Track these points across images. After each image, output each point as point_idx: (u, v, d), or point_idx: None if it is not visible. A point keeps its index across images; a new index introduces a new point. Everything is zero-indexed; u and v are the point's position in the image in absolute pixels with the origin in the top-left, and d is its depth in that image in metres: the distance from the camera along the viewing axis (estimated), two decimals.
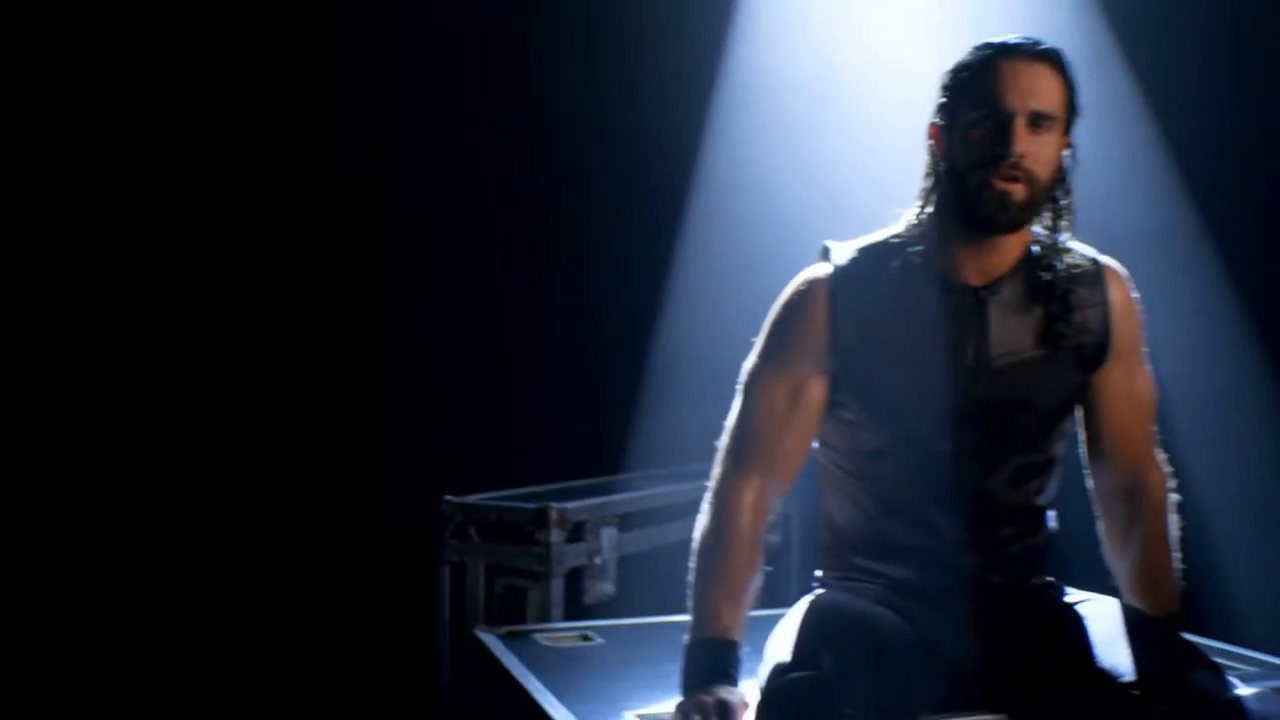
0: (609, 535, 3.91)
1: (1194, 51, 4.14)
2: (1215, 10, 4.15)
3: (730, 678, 2.09)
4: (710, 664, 2.10)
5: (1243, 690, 1.92)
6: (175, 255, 4.79)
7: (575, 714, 2.26)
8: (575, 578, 3.84)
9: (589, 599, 3.83)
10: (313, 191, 4.93)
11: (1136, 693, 1.94)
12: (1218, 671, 1.98)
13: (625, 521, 4.03)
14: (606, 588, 3.89)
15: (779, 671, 2.00)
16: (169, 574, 4.69)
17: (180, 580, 4.69)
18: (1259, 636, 2.82)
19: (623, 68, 4.88)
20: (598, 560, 3.87)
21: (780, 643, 2.10)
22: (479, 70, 4.92)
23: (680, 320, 4.76)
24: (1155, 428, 2.37)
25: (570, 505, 3.82)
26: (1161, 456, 2.38)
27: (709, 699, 2.03)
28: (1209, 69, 4.13)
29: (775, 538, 4.71)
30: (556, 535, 3.71)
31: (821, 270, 2.27)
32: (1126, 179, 4.06)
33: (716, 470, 2.28)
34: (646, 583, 3.89)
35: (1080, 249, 2.28)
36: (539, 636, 2.91)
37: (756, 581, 2.22)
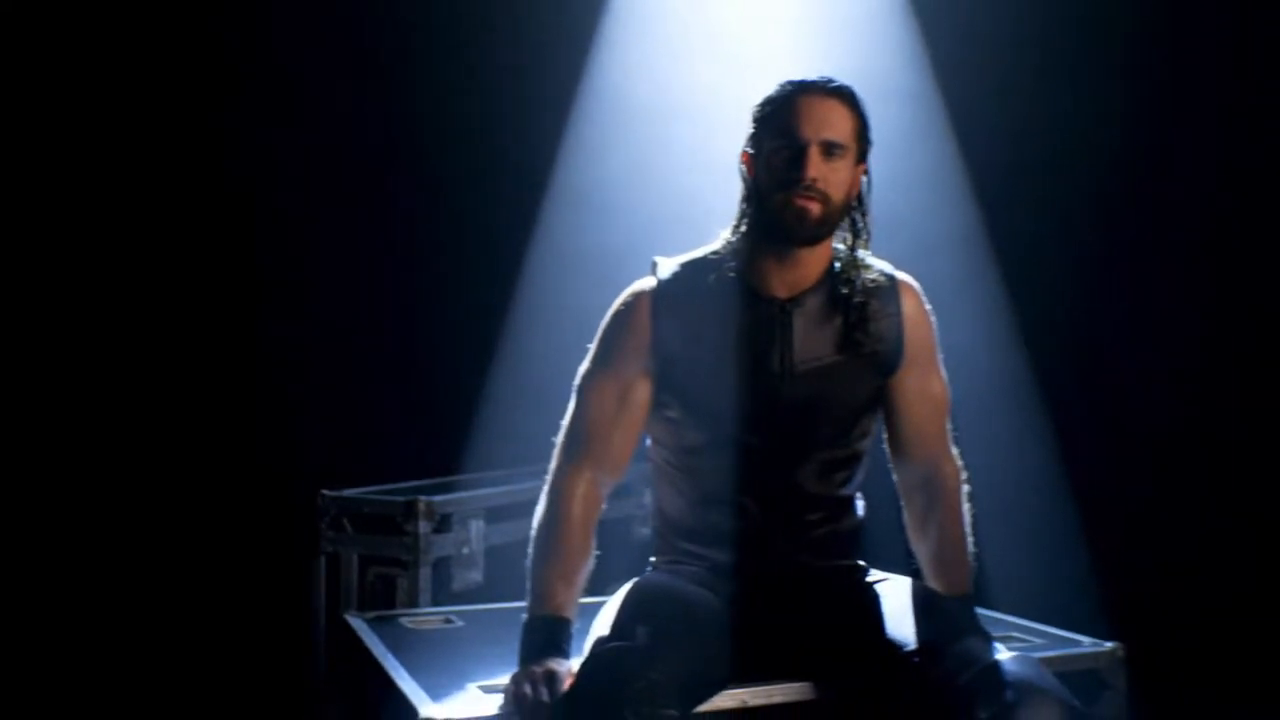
0: (476, 527, 4.05)
1: (996, 83, 4.45)
2: (1016, 50, 4.47)
3: (562, 651, 2.25)
4: (544, 638, 2.27)
5: (1003, 655, 2.14)
6: (57, 257, 4.83)
7: (423, 686, 2.36)
8: (444, 567, 3.95)
9: (457, 586, 3.95)
10: (190, 198, 4.98)
11: (916, 659, 2.17)
12: (986, 639, 2.21)
13: (493, 514, 4.15)
14: (474, 576, 4.02)
15: (599, 643, 2.19)
16: (45, 565, 4.70)
17: (57, 571, 4.72)
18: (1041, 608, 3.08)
19: (483, 82, 5.03)
20: (465, 550, 4.00)
21: (604, 619, 2.29)
22: (345, 77, 5.00)
23: (528, 328, 4.92)
24: (950, 425, 2.58)
25: (438, 499, 3.95)
26: (955, 451, 2.59)
27: (539, 669, 2.18)
28: (1010, 99, 4.44)
29: (646, 530, 4.90)
30: (424, 526, 3.85)
31: (646, 284, 2.47)
32: (931, 196, 4.36)
33: (553, 464, 2.47)
34: (515, 572, 4.03)
35: (878, 265, 2.50)
36: (404, 620, 3.01)
37: (588, 565, 2.40)
